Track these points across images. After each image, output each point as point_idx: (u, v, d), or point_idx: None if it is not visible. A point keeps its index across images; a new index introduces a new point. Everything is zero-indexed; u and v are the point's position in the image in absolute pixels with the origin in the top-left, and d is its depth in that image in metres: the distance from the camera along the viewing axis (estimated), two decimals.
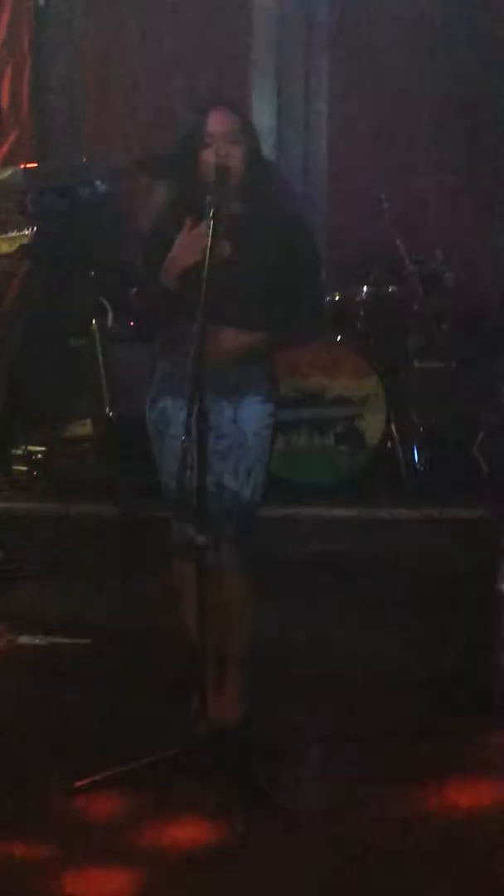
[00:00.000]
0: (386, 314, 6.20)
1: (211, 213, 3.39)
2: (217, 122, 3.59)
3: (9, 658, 4.35)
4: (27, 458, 6.06)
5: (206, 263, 3.34)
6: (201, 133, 3.59)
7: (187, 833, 3.17)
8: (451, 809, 3.33)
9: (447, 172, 7.03)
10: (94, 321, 5.80)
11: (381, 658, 4.38)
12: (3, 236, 4.06)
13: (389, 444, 5.93)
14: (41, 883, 2.96)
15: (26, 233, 4.01)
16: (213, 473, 3.54)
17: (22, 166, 6.80)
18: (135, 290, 5.68)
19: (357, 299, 6.19)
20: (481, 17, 6.98)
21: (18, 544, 5.32)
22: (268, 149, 3.84)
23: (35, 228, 3.99)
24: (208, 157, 3.56)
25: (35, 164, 7.04)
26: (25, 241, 4.00)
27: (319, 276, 3.93)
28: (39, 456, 6.09)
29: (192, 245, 3.44)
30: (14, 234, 4.04)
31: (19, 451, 6.09)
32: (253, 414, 3.62)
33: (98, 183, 6.84)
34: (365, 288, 6.19)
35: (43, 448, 6.13)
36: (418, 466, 5.91)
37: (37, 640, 4.41)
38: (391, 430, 5.93)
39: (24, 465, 6.04)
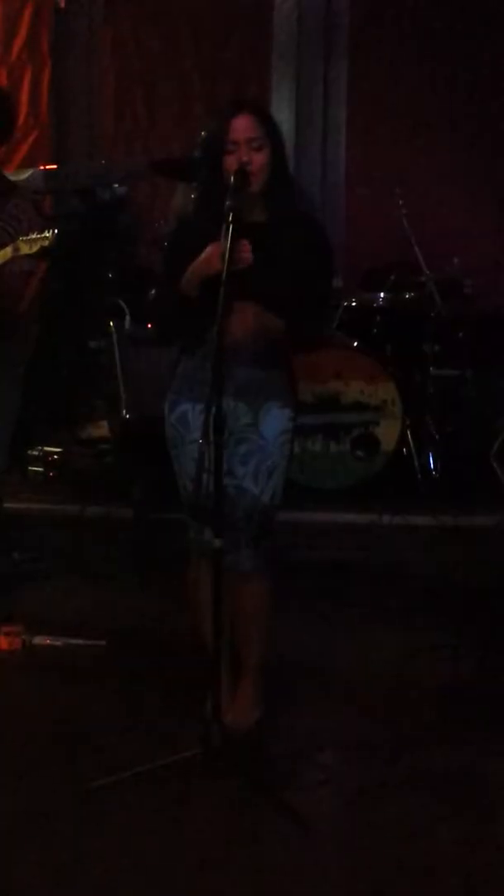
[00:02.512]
0: (403, 320, 6.20)
1: (229, 219, 3.34)
2: (240, 129, 3.50)
3: (24, 659, 4.36)
4: (44, 458, 6.09)
5: (225, 269, 3.31)
6: (224, 139, 3.51)
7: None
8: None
9: (466, 178, 7.03)
10: (111, 323, 5.81)
11: (394, 665, 4.38)
12: (24, 238, 4.05)
13: (405, 451, 5.93)
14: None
15: (47, 235, 4.00)
16: (233, 477, 3.56)
17: (41, 167, 6.85)
18: (153, 292, 5.74)
19: (374, 305, 6.20)
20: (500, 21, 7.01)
21: (34, 545, 5.33)
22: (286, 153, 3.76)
23: (56, 231, 3.98)
24: (231, 164, 3.49)
25: (54, 166, 7.08)
26: (46, 244, 3.98)
27: (329, 274, 3.87)
28: (56, 457, 6.11)
29: (216, 256, 3.39)
30: (35, 235, 4.03)
31: (36, 452, 6.11)
32: (273, 418, 3.60)
33: (116, 185, 6.86)
34: (382, 294, 6.20)
35: (59, 449, 6.15)
36: (434, 473, 5.92)
37: (52, 641, 4.42)
38: (407, 436, 5.93)
39: (41, 466, 6.07)
